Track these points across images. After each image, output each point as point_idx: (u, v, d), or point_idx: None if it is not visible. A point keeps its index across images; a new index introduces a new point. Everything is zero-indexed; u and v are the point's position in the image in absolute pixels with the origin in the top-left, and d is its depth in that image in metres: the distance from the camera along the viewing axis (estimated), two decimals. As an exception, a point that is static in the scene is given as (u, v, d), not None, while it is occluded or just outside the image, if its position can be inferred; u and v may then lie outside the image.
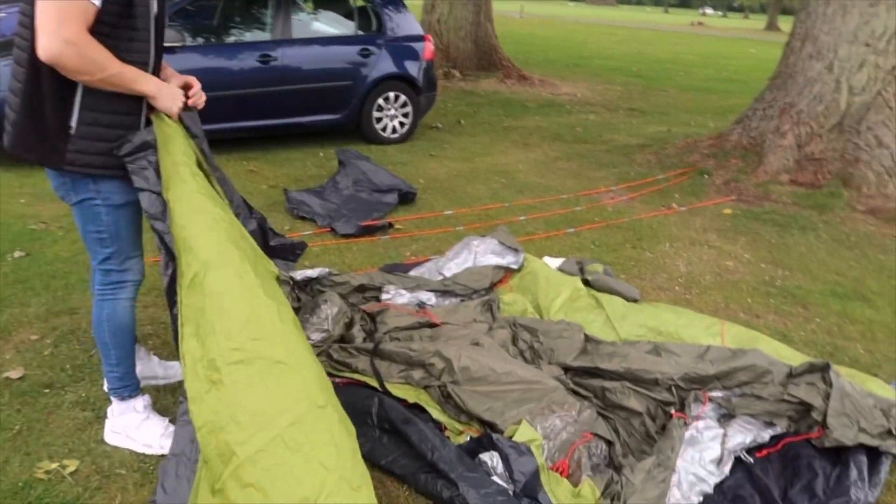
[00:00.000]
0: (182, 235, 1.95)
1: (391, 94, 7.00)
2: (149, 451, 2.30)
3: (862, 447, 2.40)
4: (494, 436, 2.20)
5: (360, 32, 6.96)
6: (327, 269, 3.37)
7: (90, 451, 2.31)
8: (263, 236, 2.51)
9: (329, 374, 2.52)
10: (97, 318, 2.27)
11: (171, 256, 2.00)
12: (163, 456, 2.23)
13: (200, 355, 1.85)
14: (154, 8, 2.03)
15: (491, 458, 2.19)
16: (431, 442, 2.22)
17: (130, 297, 2.31)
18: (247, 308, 1.90)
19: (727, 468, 2.34)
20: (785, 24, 57.35)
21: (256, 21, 6.66)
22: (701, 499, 2.19)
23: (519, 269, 3.62)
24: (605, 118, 9.58)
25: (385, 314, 3.02)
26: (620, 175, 6.38)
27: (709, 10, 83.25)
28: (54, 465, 2.21)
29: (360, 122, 6.92)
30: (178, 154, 2.07)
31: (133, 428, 2.33)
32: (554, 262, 3.87)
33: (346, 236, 4.37)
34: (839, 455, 2.39)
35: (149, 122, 2.11)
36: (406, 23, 7.20)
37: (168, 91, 2.07)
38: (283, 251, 2.64)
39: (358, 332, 2.94)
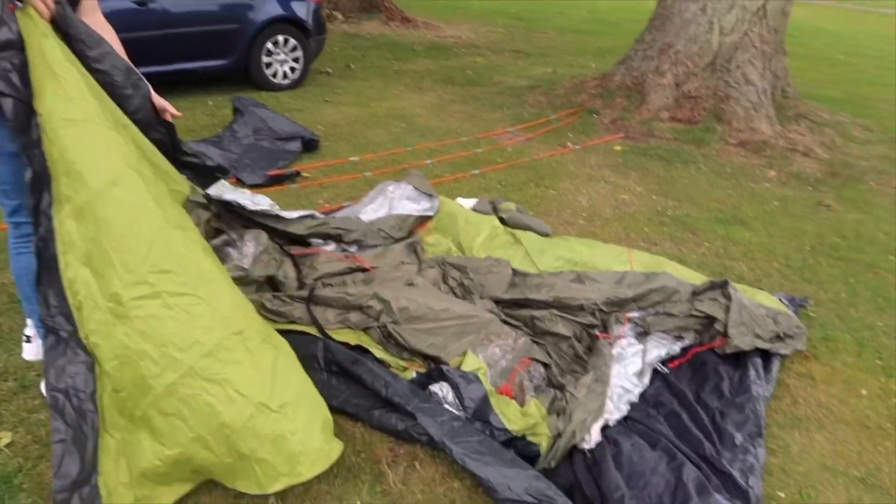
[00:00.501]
0: (65, 157, 1.84)
1: (280, 38, 6.72)
2: None
3: (757, 351, 2.73)
4: (444, 367, 2.32)
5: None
6: (268, 201, 3.04)
7: (22, 421, 2.20)
8: (173, 148, 2.38)
9: None
10: (17, 273, 2.16)
11: (37, 175, 1.86)
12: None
13: (98, 288, 1.83)
14: None
15: (441, 389, 2.30)
16: (384, 378, 2.30)
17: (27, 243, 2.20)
18: (147, 238, 1.88)
19: (647, 379, 2.59)
20: (647, -34, 59.54)
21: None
22: (629, 407, 2.43)
23: (435, 215, 3.69)
24: (492, 60, 9.69)
25: (315, 259, 3.02)
26: (515, 116, 6.56)
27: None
28: (-13, 440, 2.10)
29: (249, 67, 6.61)
30: (54, 60, 1.86)
31: None
32: (467, 203, 3.98)
33: (253, 186, 4.25)
34: (739, 359, 2.71)
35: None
36: (290, -38, 6.88)
37: None
38: (198, 169, 2.52)
39: (287, 278, 2.92)
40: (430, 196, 3.73)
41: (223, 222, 2.95)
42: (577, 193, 4.64)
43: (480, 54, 10.13)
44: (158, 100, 2.28)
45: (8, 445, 2.09)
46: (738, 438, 2.28)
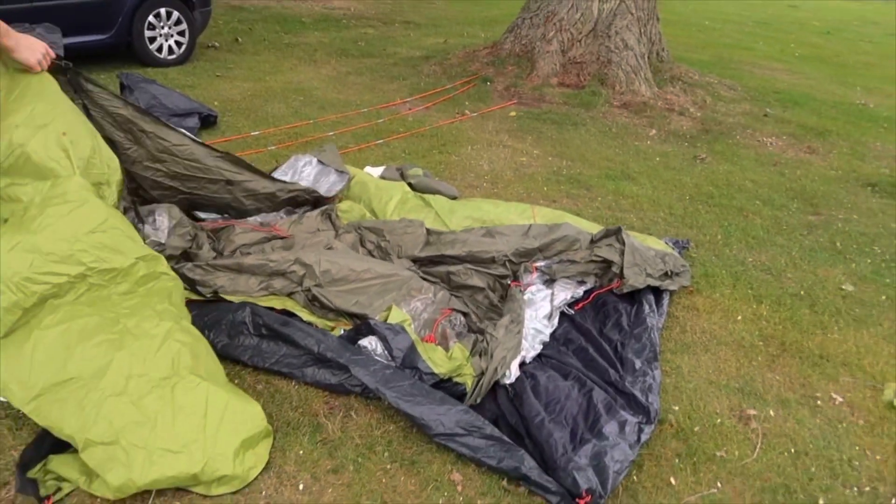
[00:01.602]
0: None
1: (162, 11, 6.48)
2: None
3: (649, 288, 3.04)
4: (371, 321, 2.45)
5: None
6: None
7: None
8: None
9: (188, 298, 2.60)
10: None
11: None
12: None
13: None
14: None
15: (370, 343, 2.44)
16: (314, 337, 2.41)
17: None
18: None
19: (556, 321, 2.84)
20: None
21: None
22: (542, 346, 2.66)
23: (343, 190, 3.72)
24: (383, 32, 9.71)
25: (230, 231, 3.05)
26: (412, 87, 6.67)
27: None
28: None
29: (132, 42, 6.33)
30: None
31: None
32: (375, 171, 4.09)
33: (153, 165, 4.15)
34: (634, 297, 3.01)
35: None
36: (167, -70, 6.60)
37: (26, 42, 2.04)
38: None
39: (205, 250, 2.94)
40: (340, 172, 3.78)
41: (131, 197, 2.92)
42: (478, 158, 4.85)
43: (371, 26, 10.11)
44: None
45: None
46: (638, 364, 2.56)
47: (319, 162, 3.79)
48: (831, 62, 10.44)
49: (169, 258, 2.81)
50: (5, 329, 1.97)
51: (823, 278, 3.51)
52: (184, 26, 6.68)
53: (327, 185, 3.68)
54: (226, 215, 3.26)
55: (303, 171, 3.78)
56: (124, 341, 2.11)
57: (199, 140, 3.18)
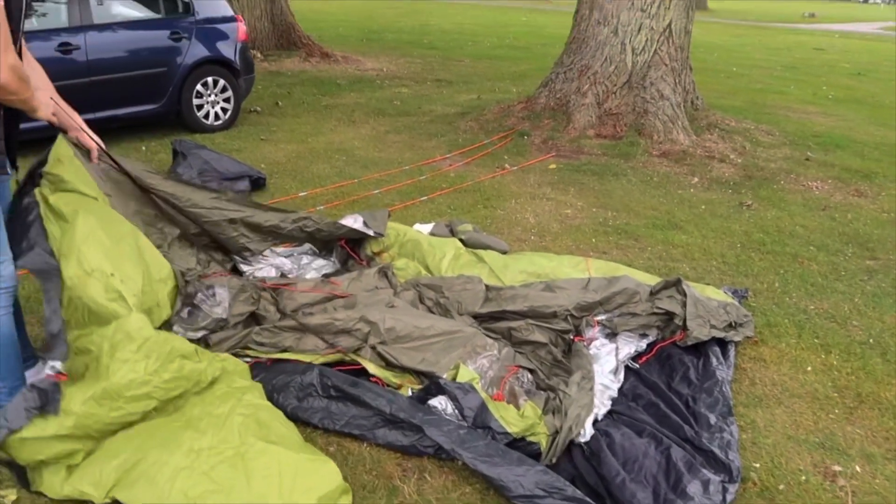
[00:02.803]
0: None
1: (209, 80, 6.73)
2: None
3: (714, 340, 2.99)
4: (440, 380, 2.44)
5: (165, 16, 6.56)
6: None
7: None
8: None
9: (253, 357, 2.66)
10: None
11: None
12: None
13: None
14: None
15: (440, 403, 2.42)
16: (385, 397, 2.40)
17: (4, 306, 2.23)
18: None
19: (621, 375, 2.80)
20: (546, -8, 62.26)
21: (48, 6, 6.01)
22: (611, 402, 2.62)
23: (379, 237, 3.71)
24: (416, 91, 9.95)
25: (291, 293, 3.08)
26: (450, 143, 6.78)
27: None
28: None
29: (181, 110, 6.58)
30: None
31: None
32: (425, 228, 4.13)
33: (209, 228, 4.25)
34: (699, 349, 2.96)
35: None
36: (213, 3, 6.92)
37: (43, 98, 2.21)
38: None
39: (269, 312, 2.97)
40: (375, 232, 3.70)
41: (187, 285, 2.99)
42: (523, 211, 4.88)
43: (404, 85, 10.37)
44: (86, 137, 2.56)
45: (14, 502, 2.06)
46: (712, 419, 2.50)
47: (364, 223, 3.81)
48: (867, 103, 10.38)
49: (235, 326, 2.86)
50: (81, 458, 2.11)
51: (892, 325, 3.42)
52: (229, 93, 6.93)
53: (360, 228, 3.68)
54: (284, 274, 3.32)
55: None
56: (189, 424, 2.22)
57: (197, 182, 3.33)
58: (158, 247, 2.87)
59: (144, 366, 2.18)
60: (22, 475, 2.12)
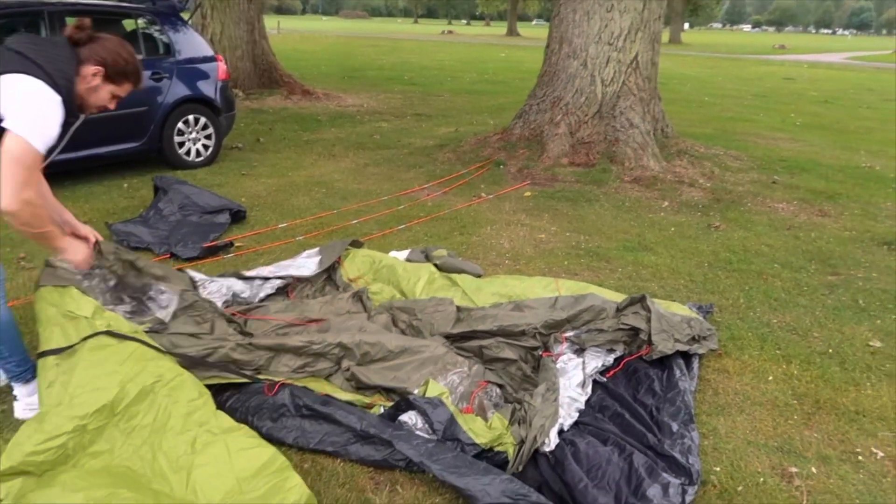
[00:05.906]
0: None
1: (190, 118, 6.87)
2: None
3: (678, 353, 3.10)
4: (410, 396, 2.52)
5: (147, 56, 6.72)
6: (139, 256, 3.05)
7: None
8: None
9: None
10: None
11: None
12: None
13: None
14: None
15: (410, 418, 2.50)
16: (356, 415, 2.48)
17: (2, 296, 2.43)
18: None
19: (589, 388, 2.89)
20: (523, 29, 63.81)
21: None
22: (578, 413, 2.70)
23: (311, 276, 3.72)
24: (396, 125, 10.16)
25: (263, 318, 3.16)
26: (428, 174, 6.94)
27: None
28: None
29: (162, 148, 6.69)
30: None
31: None
32: (400, 255, 4.23)
33: (189, 260, 4.34)
34: (664, 362, 3.06)
35: None
36: (194, 44, 7.09)
37: (74, 244, 2.39)
38: None
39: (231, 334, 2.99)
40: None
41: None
42: (498, 237, 5.01)
43: (384, 120, 10.59)
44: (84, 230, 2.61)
45: None
46: (675, 426, 2.59)
47: (318, 254, 3.88)
48: (832, 129, 10.72)
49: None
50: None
51: (850, 336, 3.55)
52: (210, 130, 7.06)
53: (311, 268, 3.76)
54: (237, 294, 3.40)
55: (306, 262, 3.87)
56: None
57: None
58: None
59: None
60: None
